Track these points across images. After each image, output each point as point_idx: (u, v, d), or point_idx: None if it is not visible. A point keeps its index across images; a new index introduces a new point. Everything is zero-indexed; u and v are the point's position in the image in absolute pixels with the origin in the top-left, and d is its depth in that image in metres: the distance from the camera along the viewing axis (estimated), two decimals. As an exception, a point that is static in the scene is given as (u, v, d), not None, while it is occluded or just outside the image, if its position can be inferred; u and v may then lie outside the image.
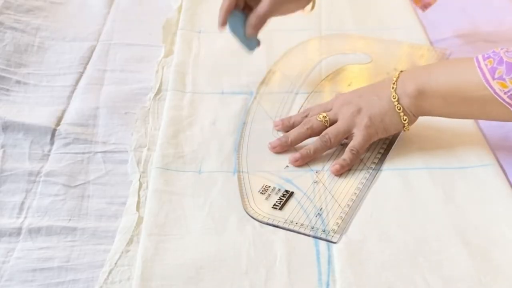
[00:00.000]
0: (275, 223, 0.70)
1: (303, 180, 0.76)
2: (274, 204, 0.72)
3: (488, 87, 0.71)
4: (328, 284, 0.63)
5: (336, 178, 0.76)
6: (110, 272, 0.64)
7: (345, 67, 0.99)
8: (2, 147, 0.81)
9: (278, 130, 0.84)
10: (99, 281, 0.63)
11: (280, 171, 0.77)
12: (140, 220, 0.70)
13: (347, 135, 0.79)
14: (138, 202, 0.73)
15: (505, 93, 0.70)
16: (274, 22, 1.12)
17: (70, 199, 0.74)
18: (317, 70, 0.99)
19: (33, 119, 0.85)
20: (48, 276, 0.64)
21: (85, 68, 0.99)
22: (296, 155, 0.78)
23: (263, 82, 0.96)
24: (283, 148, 0.80)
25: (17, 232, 0.69)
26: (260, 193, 0.74)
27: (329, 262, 0.65)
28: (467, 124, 0.83)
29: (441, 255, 0.65)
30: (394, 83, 0.77)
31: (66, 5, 1.16)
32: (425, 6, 1.04)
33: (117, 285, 0.63)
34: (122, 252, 0.66)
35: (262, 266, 0.64)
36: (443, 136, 0.82)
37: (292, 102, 0.91)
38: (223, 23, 0.90)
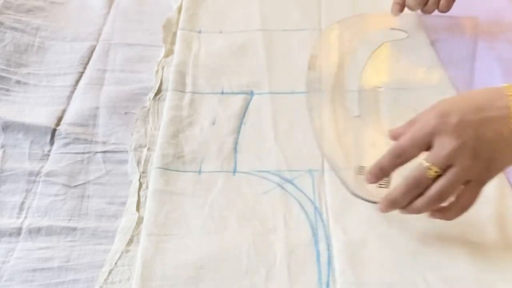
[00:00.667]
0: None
1: (302, 180, 0.76)
2: (380, 184, 0.68)
3: None
4: (328, 284, 0.63)
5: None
6: (110, 272, 0.64)
7: (383, 45, 0.97)
8: (2, 147, 0.81)
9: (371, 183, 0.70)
10: (99, 281, 0.63)
11: (280, 171, 0.77)
12: (140, 220, 0.70)
13: None
14: (138, 202, 0.73)
15: None
16: (274, 22, 1.12)
17: (70, 199, 0.74)
18: (359, 52, 0.97)
19: (33, 119, 0.85)
20: (48, 276, 0.64)
21: (85, 68, 0.99)
22: (403, 212, 0.66)
23: (309, 69, 0.95)
24: (393, 210, 0.67)
25: (17, 232, 0.69)
26: (359, 174, 0.72)
27: (329, 262, 0.65)
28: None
29: (441, 255, 0.65)
30: None
31: (66, 5, 1.16)
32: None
33: (117, 285, 0.63)
34: (122, 252, 0.66)
35: (262, 266, 0.64)
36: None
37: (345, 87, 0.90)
38: None
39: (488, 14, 1.15)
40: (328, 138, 0.81)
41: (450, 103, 0.65)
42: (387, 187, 0.68)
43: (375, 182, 0.68)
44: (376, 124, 0.83)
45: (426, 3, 1.01)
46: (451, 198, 0.65)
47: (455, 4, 1.18)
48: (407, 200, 0.65)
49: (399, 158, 0.65)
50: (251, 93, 0.93)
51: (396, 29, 1.01)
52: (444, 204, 0.65)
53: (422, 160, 0.63)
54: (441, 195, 0.63)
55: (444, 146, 0.62)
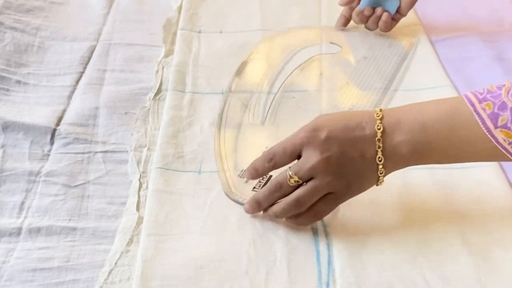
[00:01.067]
0: None
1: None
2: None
3: (490, 137, 0.62)
4: (328, 284, 0.63)
5: None
6: (110, 272, 0.64)
7: (316, 57, 1.00)
8: (2, 147, 0.81)
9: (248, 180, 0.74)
10: (99, 281, 0.63)
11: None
12: (140, 220, 0.70)
13: None
14: (138, 202, 0.73)
15: (509, 143, 0.62)
16: (274, 22, 1.12)
17: (70, 199, 0.73)
18: (289, 63, 0.99)
19: (33, 119, 0.85)
20: (48, 276, 0.64)
21: (85, 68, 0.99)
22: (264, 215, 0.70)
23: (236, 75, 0.96)
24: (257, 212, 0.70)
25: (17, 232, 0.69)
26: (240, 177, 0.75)
27: (329, 262, 0.65)
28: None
29: (441, 255, 0.65)
30: (379, 140, 0.65)
31: (66, 5, 1.17)
32: None
33: (117, 285, 0.63)
34: (122, 252, 0.66)
35: (262, 266, 0.64)
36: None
37: (266, 94, 0.92)
38: None
39: (488, 14, 1.15)
40: (226, 140, 0.82)
41: (325, 119, 0.68)
42: None
43: (251, 179, 0.72)
44: (279, 131, 0.84)
45: (367, 21, 1.06)
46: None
47: (455, 4, 1.18)
48: (269, 202, 0.69)
49: (270, 162, 0.69)
50: (251, 93, 0.93)
51: (334, 44, 1.04)
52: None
53: (288, 168, 0.67)
54: (298, 203, 0.66)
55: (308, 158, 0.66)
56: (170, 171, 0.77)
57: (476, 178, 0.75)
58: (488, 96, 0.63)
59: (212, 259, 0.65)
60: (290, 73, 0.96)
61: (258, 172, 0.70)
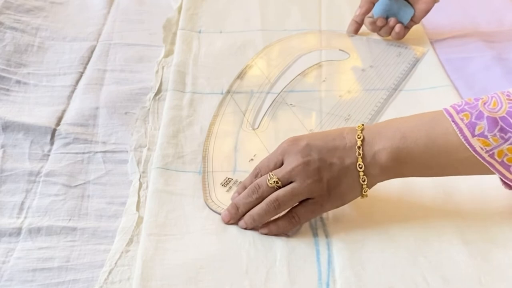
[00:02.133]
0: None
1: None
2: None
3: (467, 145, 0.63)
4: (328, 284, 0.63)
5: None
6: (110, 272, 0.64)
7: (321, 63, 1.00)
8: (2, 147, 0.81)
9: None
10: (99, 281, 0.63)
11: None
12: (140, 220, 0.70)
13: None
14: (138, 202, 0.73)
15: (486, 151, 0.63)
16: (274, 22, 1.13)
17: (70, 199, 0.73)
18: (293, 66, 0.99)
19: (33, 119, 0.85)
20: (48, 276, 0.64)
21: (85, 68, 0.99)
22: (241, 222, 0.69)
23: (238, 77, 0.96)
24: (235, 220, 0.69)
25: (17, 232, 0.69)
26: (222, 185, 0.75)
27: (329, 262, 0.65)
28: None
29: (441, 255, 0.65)
30: (359, 148, 0.66)
31: (66, 5, 1.17)
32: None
33: (117, 285, 0.63)
34: (122, 252, 0.66)
35: (262, 266, 0.64)
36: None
37: (264, 98, 0.92)
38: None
39: (488, 14, 1.15)
40: (216, 142, 0.82)
41: (306, 134, 0.72)
42: None
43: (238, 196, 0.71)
44: (270, 137, 0.84)
45: (379, 30, 1.06)
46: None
47: (455, 4, 1.18)
48: (246, 206, 0.69)
49: (257, 176, 0.70)
50: (251, 93, 0.93)
51: (343, 50, 1.04)
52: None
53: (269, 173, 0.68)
54: (276, 202, 0.67)
55: (289, 163, 0.67)
56: (170, 171, 0.77)
57: (476, 178, 0.75)
58: (466, 107, 0.64)
59: (212, 259, 0.65)
60: (293, 79, 0.96)
61: (245, 186, 0.71)
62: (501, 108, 0.63)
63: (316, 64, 0.99)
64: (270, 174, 0.68)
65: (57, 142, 0.82)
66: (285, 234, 0.68)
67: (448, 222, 0.69)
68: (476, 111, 0.63)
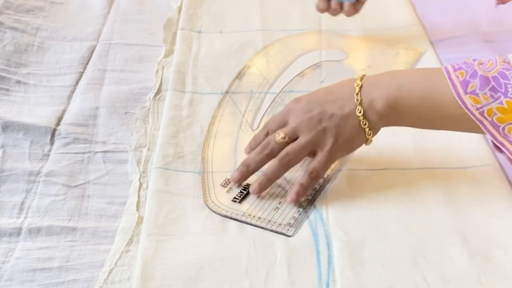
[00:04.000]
0: (233, 216, 0.70)
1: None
2: (234, 197, 0.73)
3: (459, 102, 0.65)
4: (328, 284, 0.63)
5: (295, 176, 0.75)
6: (110, 272, 0.64)
7: (320, 64, 1.00)
8: (2, 147, 0.81)
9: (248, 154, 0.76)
10: (99, 281, 0.63)
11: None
12: (140, 220, 0.70)
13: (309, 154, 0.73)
14: (138, 202, 0.73)
15: (477, 109, 0.65)
16: (274, 22, 1.12)
17: (70, 199, 0.74)
18: (292, 66, 0.99)
19: (33, 119, 0.85)
20: (48, 276, 0.64)
21: (85, 68, 0.99)
22: (254, 186, 0.72)
23: (236, 77, 0.96)
24: (245, 178, 0.74)
25: (17, 232, 0.69)
26: (222, 186, 0.75)
27: (329, 262, 0.65)
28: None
29: (441, 255, 0.65)
30: (357, 94, 0.70)
31: (66, 5, 1.17)
32: (502, 2, 1.05)
33: (117, 285, 0.63)
34: (122, 252, 0.66)
35: (262, 266, 0.64)
36: (442, 136, 0.82)
37: (262, 99, 0.92)
38: None
39: (488, 14, 1.15)
40: (215, 143, 0.82)
41: (308, 93, 0.75)
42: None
43: (248, 153, 0.75)
44: None
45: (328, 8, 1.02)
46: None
47: (455, 4, 1.18)
48: (257, 163, 0.73)
49: (265, 130, 0.75)
50: (252, 93, 0.93)
51: (342, 50, 1.03)
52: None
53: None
54: (288, 157, 0.71)
55: (293, 120, 0.72)
56: (170, 171, 0.77)
57: (476, 178, 0.75)
58: (463, 66, 0.67)
59: (212, 259, 0.65)
60: (291, 79, 0.96)
61: (256, 141, 0.75)
62: (494, 68, 0.66)
63: (315, 64, 0.99)
64: (278, 131, 0.72)
65: (57, 142, 0.82)
66: (285, 234, 0.68)
67: (448, 222, 0.69)
68: (471, 70, 0.66)
